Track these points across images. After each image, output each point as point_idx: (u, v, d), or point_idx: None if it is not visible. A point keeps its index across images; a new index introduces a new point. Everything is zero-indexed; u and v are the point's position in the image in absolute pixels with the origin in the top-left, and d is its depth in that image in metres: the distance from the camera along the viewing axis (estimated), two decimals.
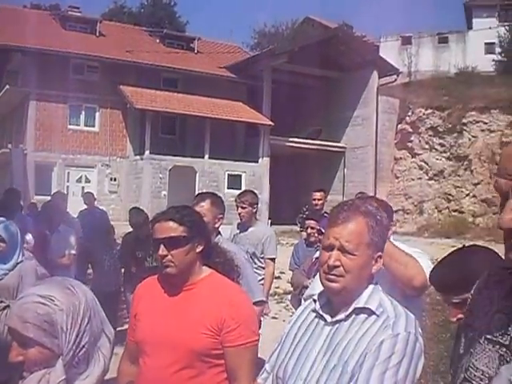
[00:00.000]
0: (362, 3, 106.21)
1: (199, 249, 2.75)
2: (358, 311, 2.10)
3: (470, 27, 43.50)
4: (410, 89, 32.68)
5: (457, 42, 41.58)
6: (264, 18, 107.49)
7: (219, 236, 4.56)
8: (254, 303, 3.87)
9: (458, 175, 29.01)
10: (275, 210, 29.14)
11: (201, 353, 2.59)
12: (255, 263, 5.98)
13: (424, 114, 30.83)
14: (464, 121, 29.50)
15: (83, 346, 1.69)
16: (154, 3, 55.23)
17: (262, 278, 6.08)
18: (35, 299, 1.65)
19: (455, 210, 28.38)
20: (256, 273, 5.66)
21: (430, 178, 29.86)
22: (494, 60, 36.21)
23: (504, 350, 1.55)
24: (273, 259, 6.24)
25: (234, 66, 32.52)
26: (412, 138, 31.22)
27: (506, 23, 38.17)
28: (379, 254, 2.15)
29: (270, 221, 28.27)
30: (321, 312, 2.20)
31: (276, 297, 11.58)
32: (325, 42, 30.79)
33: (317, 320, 2.21)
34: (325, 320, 2.17)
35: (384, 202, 3.31)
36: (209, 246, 2.85)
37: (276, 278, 12.15)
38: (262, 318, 5.33)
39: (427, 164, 30.36)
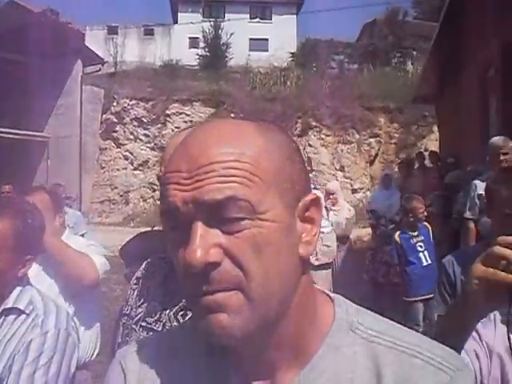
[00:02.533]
0: None
1: None
2: (7, 312, 2.03)
3: (175, 21, 44.69)
4: (116, 79, 32.66)
5: (162, 34, 42.44)
6: None
7: None
8: None
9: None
10: None
11: None
12: None
13: (129, 104, 30.94)
14: (168, 112, 30.16)
15: None
16: None
17: None
18: None
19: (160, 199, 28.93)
20: None
21: (135, 168, 30.12)
22: (197, 54, 37.52)
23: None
24: None
25: None
26: (117, 129, 31.15)
27: (210, 19, 39.74)
28: (29, 257, 2.09)
29: None
30: None
31: None
32: (27, 26, 29.35)
33: None
34: None
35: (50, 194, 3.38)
36: None
37: None
38: None
39: (132, 154, 30.54)
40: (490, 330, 1.80)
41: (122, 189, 29.97)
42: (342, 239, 8.82)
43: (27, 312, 2.02)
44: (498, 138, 6.61)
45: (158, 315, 1.72)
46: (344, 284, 7.91)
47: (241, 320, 0.88)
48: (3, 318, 2.02)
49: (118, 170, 30.60)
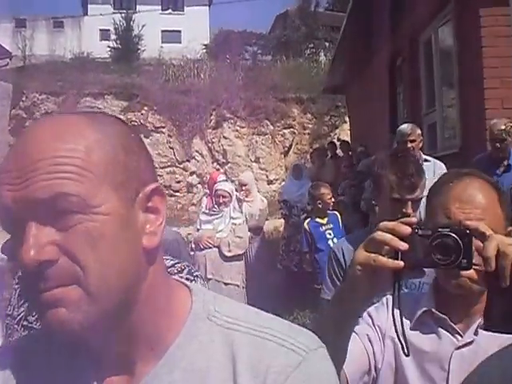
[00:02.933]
0: None
1: None
2: None
3: (85, 13, 43.78)
4: (24, 73, 31.70)
5: (72, 27, 41.52)
6: None
7: None
8: None
9: None
10: None
11: None
12: None
13: (38, 99, 30.16)
14: (79, 106, 29.49)
15: None
16: None
17: None
18: None
19: None
20: None
21: None
22: (109, 47, 36.87)
23: None
24: None
25: None
26: (27, 124, 30.18)
27: (121, 10, 39.10)
28: None
29: None
30: None
31: None
32: None
33: None
34: None
35: None
36: None
37: None
38: None
39: None
40: (383, 313, 1.81)
41: None
42: (256, 230, 8.82)
43: None
44: (405, 125, 6.77)
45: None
46: (258, 274, 7.95)
47: (80, 314, 0.87)
48: None
49: None
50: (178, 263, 2.13)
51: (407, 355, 1.39)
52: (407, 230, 1.30)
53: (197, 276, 2.18)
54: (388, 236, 1.30)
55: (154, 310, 0.97)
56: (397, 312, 1.35)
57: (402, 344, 1.37)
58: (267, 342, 0.95)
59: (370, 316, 1.83)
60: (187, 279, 2.00)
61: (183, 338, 0.97)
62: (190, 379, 0.94)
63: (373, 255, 1.30)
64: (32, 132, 0.92)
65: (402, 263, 1.27)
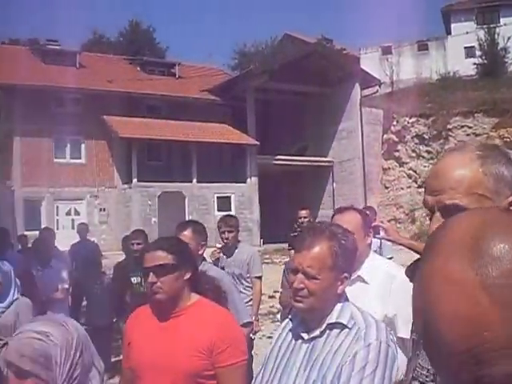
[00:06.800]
0: (339, 16, 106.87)
1: (187, 276, 2.88)
2: (331, 326, 2.23)
3: (448, 32, 43.75)
4: (393, 98, 32.81)
5: (437, 48, 41.74)
6: (243, 38, 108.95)
7: (204, 262, 4.69)
8: (242, 325, 4.13)
9: None
10: (267, 228, 29.11)
11: (194, 374, 2.72)
12: (242, 284, 6.05)
13: (408, 122, 30.96)
14: (449, 126, 29.62)
15: (75, 378, 1.80)
16: (133, 31, 55.54)
17: (251, 299, 6.09)
18: (32, 335, 1.77)
19: None
20: (244, 293, 5.82)
21: (420, 186, 29.87)
22: (474, 63, 36.37)
23: None
24: (259, 277, 6.29)
25: (216, 89, 32.61)
26: (398, 148, 31.30)
27: (484, 25, 38.40)
28: (345, 275, 2.28)
29: (262, 240, 28.19)
30: (297, 330, 2.33)
31: (271, 316, 11.48)
32: (305, 57, 30.96)
33: (295, 338, 2.34)
34: (302, 338, 2.29)
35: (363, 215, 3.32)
36: (196, 273, 2.99)
37: (270, 297, 12.12)
38: (253, 337, 5.45)
39: (415, 172, 30.43)
40: None
41: (408, 207, 29.91)
42: None
43: (349, 326, 2.20)
44: None
45: None
46: None
47: None
48: (328, 332, 2.23)
49: (402, 188, 30.67)
50: None
51: None
52: None
53: None
54: None
55: None
56: None
57: None
58: None
59: None
60: None
61: None
62: None
63: None
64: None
65: None
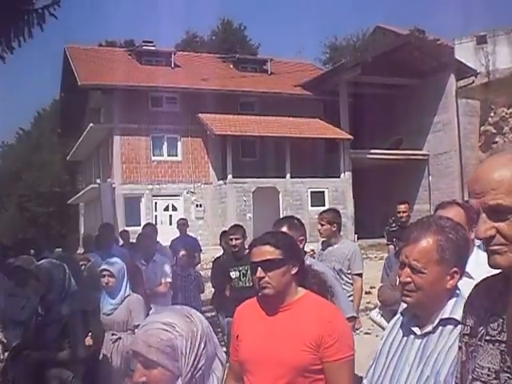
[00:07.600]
0: (431, 6, 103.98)
1: (294, 271, 2.87)
2: (445, 322, 2.21)
3: None
4: (490, 89, 31.81)
5: None
6: (334, 31, 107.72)
7: (307, 256, 4.70)
8: (346, 319, 3.96)
9: None
10: (361, 224, 28.94)
11: (302, 369, 2.71)
12: (342, 279, 6.02)
13: (506, 113, 30.01)
14: None
15: (200, 369, 1.81)
16: (225, 29, 56.20)
17: (351, 294, 6.12)
18: (158, 326, 1.79)
19: None
20: (344, 289, 5.76)
21: None
22: None
23: (503, 345, 1.66)
24: (360, 274, 6.28)
25: (309, 84, 32.63)
26: (497, 139, 30.39)
27: None
28: (455, 269, 2.23)
29: (356, 235, 28.04)
30: (409, 326, 2.31)
31: (367, 312, 11.46)
32: (398, 49, 30.52)
33: (406, 334, 2.32)
34: (414, 333, 2.28)
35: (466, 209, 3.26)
36: (303, 267, 2.97)
37: (366, 293, 12.06)
38: (354, 334, 5.47)
39: None
40: None
41: None
42: None
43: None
44: None
45: (500, 327, 1.75)
46: None
47: None
48: (441, 328, 2.21)
49: None
50: None
51: None
52: None
53: None
54: None
55: None
56: None
57: None
58: None
59: None
60: None
61: None
62: None
63: None
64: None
65: None
